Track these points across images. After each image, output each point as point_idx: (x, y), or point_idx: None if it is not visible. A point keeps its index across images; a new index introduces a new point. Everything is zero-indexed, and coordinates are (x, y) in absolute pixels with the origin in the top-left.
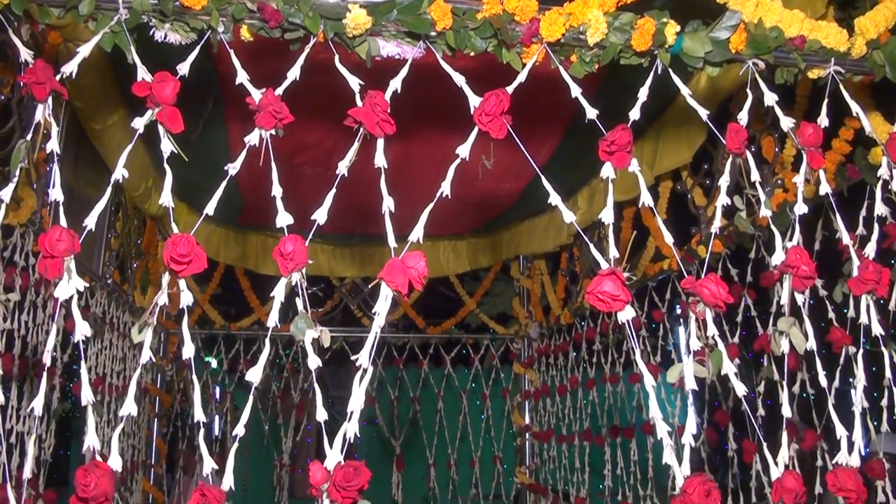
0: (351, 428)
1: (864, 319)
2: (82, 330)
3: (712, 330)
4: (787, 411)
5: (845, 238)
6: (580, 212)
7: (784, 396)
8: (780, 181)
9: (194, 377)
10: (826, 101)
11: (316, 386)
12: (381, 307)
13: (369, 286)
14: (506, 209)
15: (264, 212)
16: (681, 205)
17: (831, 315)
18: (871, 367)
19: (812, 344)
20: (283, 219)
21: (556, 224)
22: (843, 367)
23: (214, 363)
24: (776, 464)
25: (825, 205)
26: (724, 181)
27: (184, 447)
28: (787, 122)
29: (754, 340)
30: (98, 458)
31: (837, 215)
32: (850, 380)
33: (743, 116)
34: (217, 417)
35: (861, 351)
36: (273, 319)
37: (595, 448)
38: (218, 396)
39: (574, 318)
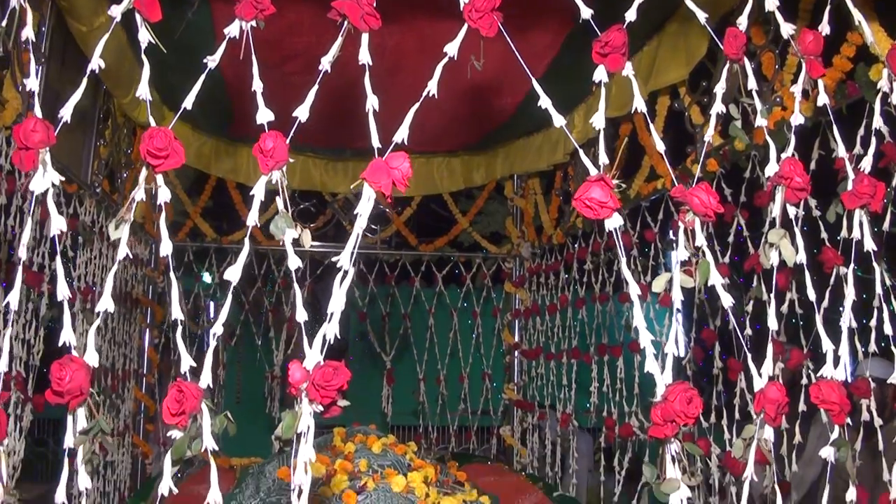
0: (330, 329)
1: (856, 234)
2: (57, 224)
3: (701, 240)
4: (772, 324)
5: (841, 151)
6: (576, 129)
7: (770, 310)
8: (778, 98)
9: (172, 275)
10: (828, 7)
11: (296, 286)
12: (364, 208)
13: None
14: (501, 125)
15: (255, 123)
16: (678, 125)
17: (824, 235)
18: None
19: (802, 257)
20: (264, 115)
21: (551, 142)
22: (832, 288)
23: (208, 277)
24: (760, 375)
25: (823, 123)
26: (719, 88)
27: (175, 357)
28: (787, 29)
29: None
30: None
31: (835, 128)
32: (840, 308)
33: (742, 21)
34: (210, 331)
35: (851, 267)
36: (252, 218)
37: (582, 366)
38: (211, 311)
39: (566, 237)
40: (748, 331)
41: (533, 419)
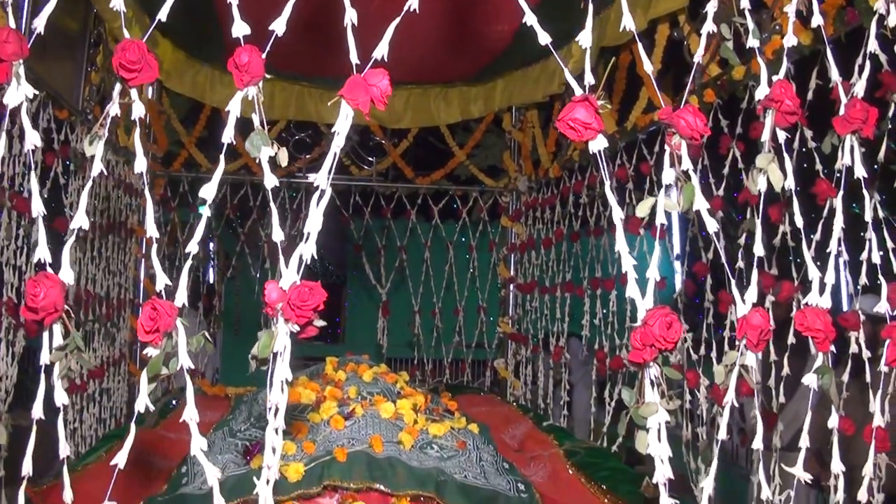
0: (307, 250)
1: (846, 161)
2: (32, 139)
3: (687, 164)
4: (759, 250)
5: (835, 76)
6: (573, 60)
7: (758, 236)
8: (777, 27)
9: (147, 193)
10: None
11: (272, 206)
12: (341, 126)
13: (330, 104)
14: (498, 55)
15: None
16: (680, 58)
17: (819, 167)
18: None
19: (790, 182)
20: (240, 28)
21: (548, 73)
22: (825, 221)
23: (207, 211)
24: (744, 302)
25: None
26: (711, 6)
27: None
28: None
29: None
30: (49, 270)
31: (829, 53)
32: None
33: None
34: (211, 266)
35: (840, 194)
36: (228, 135)
37: (575, 299)
38: (210, 247)
39: (563, 171)
40: (739, 263)
41: (526, 352)
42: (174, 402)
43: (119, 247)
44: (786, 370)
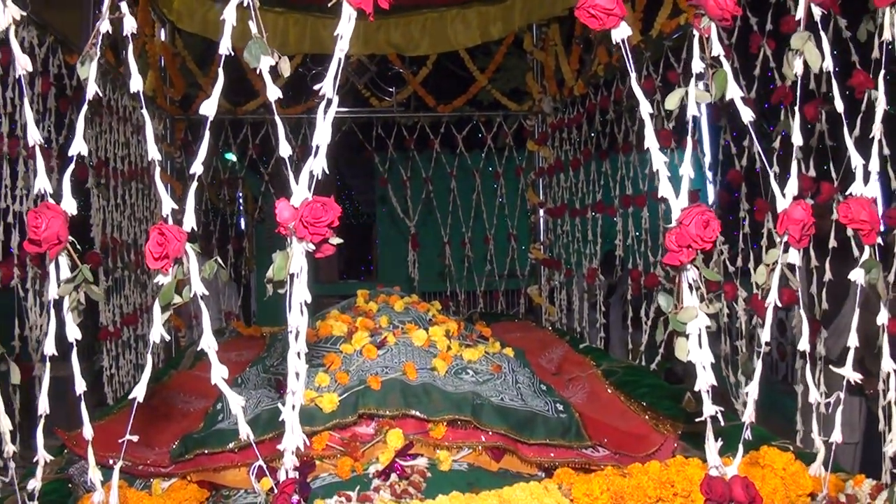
0: (317, 164)
1: (886, 36)
2: (22, 64)
3: (718, 49)
4: (797, 139)
5: None
6: None
7: (795, 124)
8: None
9: (144, 111)
10: None
11: (277, 118)
12: (344, 29)
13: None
14: None
15: None
16: None
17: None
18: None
19: (829, 63)
20: None
21: None
22: (863, 115)
23: (234, 158)
24: (783, 195)
25: None
26: None
27: (199, 231)
28: None
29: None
30: (49, 200)
31: None
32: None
33: None
34: (240, 210)
35: (882, 74)
36: (225, 46)
37: (607, 219)
38: (240, 194)
39: (587, 87)
40: (775, 167)
41: (560, 277)
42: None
43: (143, 193)
44: (828, 275)
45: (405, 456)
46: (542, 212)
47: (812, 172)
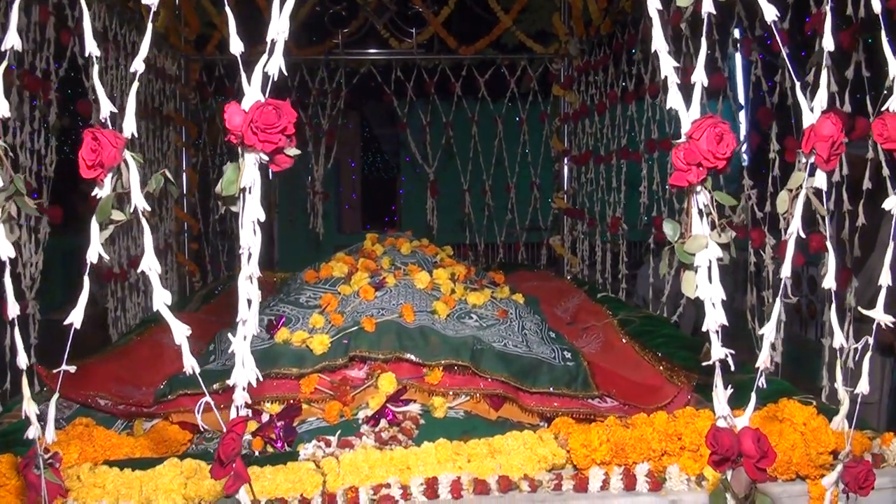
0: (273, 63)
1: None
2: None
3: None
4: (827, 41)
5: None
6: None
7: (826, 25)
8: None
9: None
10: None
11: (228, 9)
12: None
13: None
14: None
15: None
16: None
17: None
18: None
19: None
20: None
21: None
22: None
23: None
24: (811, 109)
25: None
26: None
27: (213, 177)
28: None
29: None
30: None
31: None
32: None
33: None
34: None
35: None
36: None
37: (632, 166)
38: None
39: (615, 26)
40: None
41: (583, 227)
42: (219, 288)
43: (154, 134)
44: (861, 220)
45: (398, 402)
46: (566, 160)
47: (847, 108)
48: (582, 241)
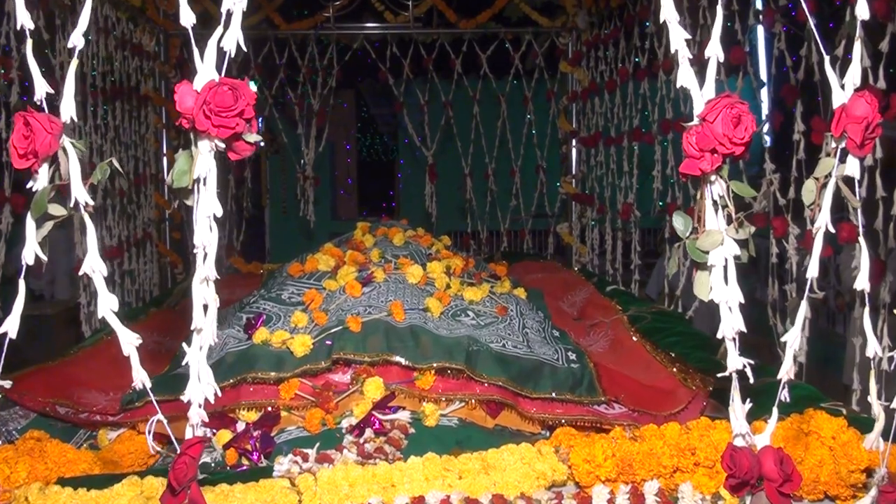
0: (229, 37)
1: None
2: None
3: None
4: (861, 8)
5: None
6: None
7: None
8: None
9: None
10: None
11: None
12: None
13: None
14: None
15: None
16: None
17: None
18: None
19: None
20: None
21: None
22: None
23: (254, 87)
24: (842, 86)
25: None
26: None
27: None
28: None
29: None
30: None
31: None
32: None
33: None
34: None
35: None
36: None
37: (645, 148)
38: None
39: None
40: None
41: (592, 214)
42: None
43: (131, 115)
44: None
45: (385, 409)
46: (574, 141)
47: (882, 84)
48: (591, 229)
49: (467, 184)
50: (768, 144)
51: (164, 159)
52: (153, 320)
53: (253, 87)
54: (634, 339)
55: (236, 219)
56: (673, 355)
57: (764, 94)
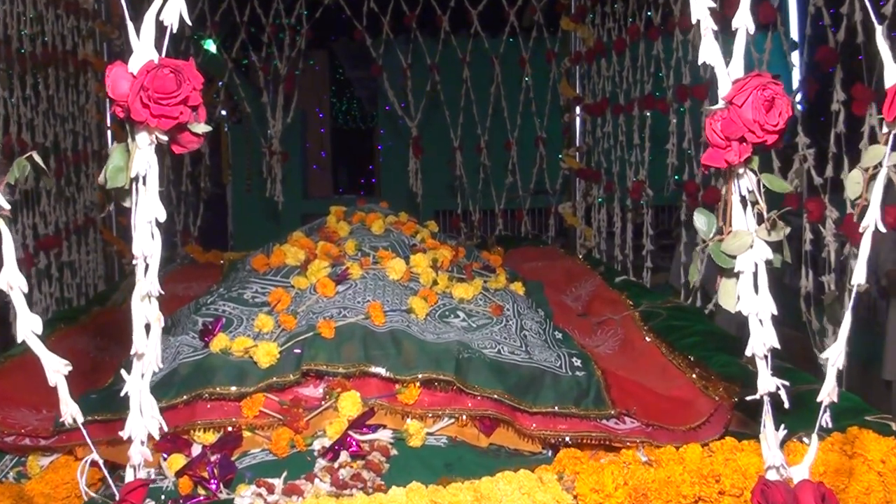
0: (170, 10)
1: None
2: None
3: None
4: None
5: None
6: None
7: None
8: None
9: None
10: None
11: None
12: None
13: None
14: None
15: None
16: None
17: None
18: None
19: None
20: None
21: None
22: None
23: (213, 48)
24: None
25: None
26: None
27: None
28: None
29: None
30: None
31: None
32: None
33: None
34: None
35: None
36: None
37: (658, 117)
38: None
39: None
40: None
41: (599, 192)
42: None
43: (67, 83)
44: None
45: (363, 428)
46: (578, 109)
47: None
48: (598, 209)
49: (457, 158)
50: (801, 112)
51: (109, 133)
52: (96, 322)
53: (211, 47)
54: (647, 339)
55: (193, 200)
56: (692, 359)
57: (796, 57)
